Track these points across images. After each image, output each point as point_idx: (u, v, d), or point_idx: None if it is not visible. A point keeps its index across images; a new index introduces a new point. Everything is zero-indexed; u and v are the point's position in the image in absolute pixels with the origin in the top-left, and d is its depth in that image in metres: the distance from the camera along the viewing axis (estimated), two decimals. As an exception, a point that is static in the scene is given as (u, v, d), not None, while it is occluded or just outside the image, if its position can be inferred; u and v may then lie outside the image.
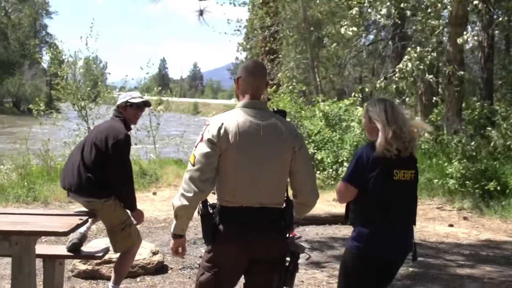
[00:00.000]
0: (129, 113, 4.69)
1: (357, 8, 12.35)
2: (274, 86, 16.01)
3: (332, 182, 11.59)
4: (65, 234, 3.92)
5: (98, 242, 5.82)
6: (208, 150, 2.97)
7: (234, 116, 3.04)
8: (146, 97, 4.83)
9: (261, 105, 3.14)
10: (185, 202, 2.96)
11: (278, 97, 14.67)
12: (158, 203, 9.92)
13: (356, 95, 13.20)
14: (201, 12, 8.59)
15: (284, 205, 3.15)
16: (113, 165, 4.49)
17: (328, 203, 10.12)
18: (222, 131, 2.97)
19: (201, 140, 3.01)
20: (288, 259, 3.19)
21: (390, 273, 3.56)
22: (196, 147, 3.03)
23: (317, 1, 18.43)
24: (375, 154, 3.33)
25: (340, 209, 9.42)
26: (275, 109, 3.35)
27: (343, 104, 13.92)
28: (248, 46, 25.42)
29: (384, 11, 12.36)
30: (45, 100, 15.62)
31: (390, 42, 19.31)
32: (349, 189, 3.41)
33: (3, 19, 71.82)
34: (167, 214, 8.74)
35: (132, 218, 4.71)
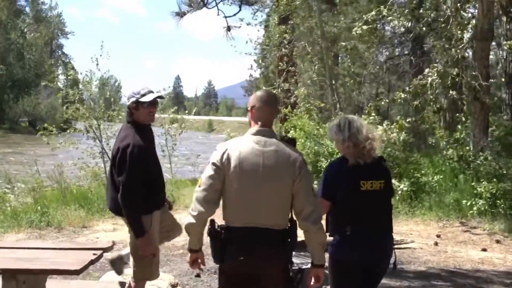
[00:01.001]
0: (141, 113, 4.24)
1: (370, 19, 11.93)
2: (289, 106, 15.60)
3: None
4: (77, 272, 3.57)
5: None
6: (212, 173, 3.24)
7: (239, 143, 3.31)
8: (157, 93, 4.30)
9: (268, 134, 3.36)
10: (192, 220, 3.22)
11: (295, 116, 14.28)
12: (175, 227, 9.48)
13: (373, 114, 12.79)
14: (228, 28, 8.43)
15: (289, 225, 3.32)
16: (117, 179, 4.08)
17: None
18: (225, 156, 3.24)
19: (208, 163, 3.29)
20: (293, 275, 3.44)
21: (372, 280, 3.74)
22: (204, 170, 3.31)
23: (333, 17, 18.15)
24: (342, 166, 3.67)
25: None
26: (285, 136, 3.71)
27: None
28: (263, 64, 25.15)
29: (401, 23, 12.07)
30: (62, 118, 15.14)
31: (409, 57, 18.94)
32: (323, 202, 3.63)
33: (19, 39, 72.40)
34: (185, 239, 8.30)
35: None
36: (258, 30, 18.80)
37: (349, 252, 3.62)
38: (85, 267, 3.66)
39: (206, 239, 3.31)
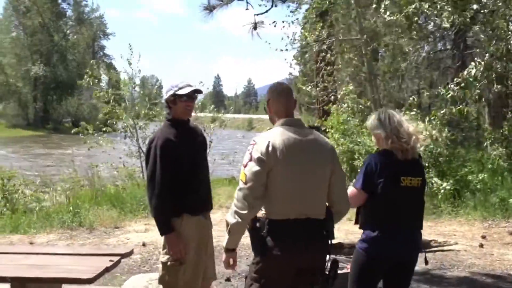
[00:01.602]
0: (179, 106, 4.00)
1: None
2: (330, 103, 15.22)
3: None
4: (89, 281, 3.33)
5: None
6: (258, 168, 3.11)
7: (278, 134, 3.21)
8: (193, 87, 4.05)
9: (298, 122, 3.34)
10: (240, 219, 3.11)
11: (335, 113, 13.87)
12: (209, 228, 9.20)
13: (415, 109, 12.28)
14: (255, 26, 8.15)
15: (325, 216, 3.28)
16: (147, 174, 3.94)
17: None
18: (270, 148, 3.13)
19: (251, 159, 3.15)
20: (328, 266, 3.33)
21: (403, 274, 3.73)
22: (245, 166, 3.17)
23: (373, 12, 17.67)
24: (384, 160, 3.62)
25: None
26: (312, 125, 3.63)
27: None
28: (302, 61, 24.79)
29: (444, 18, 11.55)
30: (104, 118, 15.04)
31: (452, 52, 18.33)
32: (360, 194, 3.64)
33: (62, 41, 73.72)
34: (218, 241, 8.04)
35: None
36: (289, 26, 18.36)
37: (382, 247, 3.60)
38: (99, 275, 3.42)
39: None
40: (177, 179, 3.87)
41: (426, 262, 3.84)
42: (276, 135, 3.20)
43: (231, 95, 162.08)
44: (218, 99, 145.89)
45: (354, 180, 3.80)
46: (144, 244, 7.82)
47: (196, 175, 4.06)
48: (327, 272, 3.32)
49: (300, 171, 3.17)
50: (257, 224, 3.18)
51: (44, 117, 69.67)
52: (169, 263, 3.87)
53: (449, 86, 12.06)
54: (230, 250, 3.26)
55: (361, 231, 3.75)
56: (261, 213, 3.24)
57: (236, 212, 3.12)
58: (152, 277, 5.09)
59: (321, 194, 3.27)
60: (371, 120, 3.83)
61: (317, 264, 3.26)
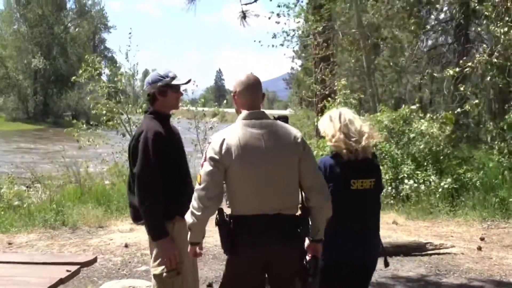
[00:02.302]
0: (170, 98, 3.64)
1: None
2: (326, 98, 14.82)
3: (392, 201, 10.32)
4: (37, 297, 2.99)
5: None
6: (211, 168, 3.04)
7: (234, 131, 3.12)
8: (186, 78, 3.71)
9: (260, 115, 3.19)
10: (195, 220, 3.05)
11: (332, 107, 13.49)
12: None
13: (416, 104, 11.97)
14: (243, 15, 7.82)
15: (300, 212, 3.21)
16: (134, 172, 3.48)
17: (388, 226, 8.83)
18: (224, 147, 3.04)
19: (205, 159, 3.09)
20: (307, 264, 3.24)
21: (360, 280, 3.64)
22: (202, 166, 3.10)
23: (370, 5, 17.33)
24: (333, 164, 3.48)
25: (401, 234, 8.29)
26: (277, 116, 3.37)
27: (404, 114, 12.46)
28: (303, 55, 24.46)
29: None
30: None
31: (453, 46, 17.98)
32: None
33: (62, 33, 73.38)
34: (204, 242, 7.57)
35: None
36: (288, 20, 17.97)
37: (337, 251, 3.49)
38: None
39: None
40: (169, 177, 3.50)
41: (386, 265, 3.72)
42: (232, 132, 3.12)
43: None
44: (220, 93, 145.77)
45: None
46: (126, 245, 7.49)
47: (185, 174, 3.74)
48: (306, 269, 3.24)
49: (259, 167, 3.07)
50: (225, 219, 3.10)
51: (44, 110, 69.44)
52: (164, 274, 3.44)
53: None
54: (195, 243, 3.17)
55: None
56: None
57: (192, 213, 3.07)
58: (125, 285, 4.75)
59: (288, 186, 3.14)
60: (321, 119, 3.73)
61: (290, 262, 3.17)
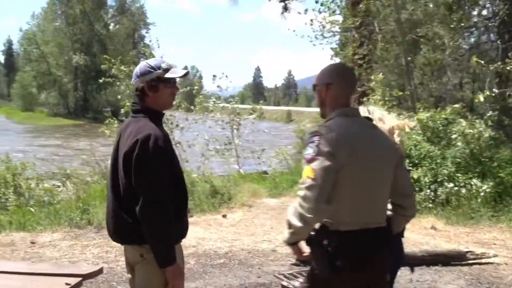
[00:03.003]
0: (162, 94, 3.02)
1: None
2: (365, 95, 14.41)
3: (430, 205, 9.83)
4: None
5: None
6: (329, 163, 2.60)
7: (345, 126, 2.73)
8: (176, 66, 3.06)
9: (359, 114, 2.88)
10: (306, 224, 2.63)
11: (370, 104, 13.03)
12: (225, 229, 8.41)
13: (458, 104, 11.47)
14: (285, 8, 7.62)
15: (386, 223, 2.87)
16: (136, 187, 2.83)
17: (426, 231, 8.38)
18: (341, 142, 2.64)
19: (319, 152, 2.62)
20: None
21: None
22: (312, 160, 2.63)
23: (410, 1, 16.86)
24: None
25: (440, 241, 7.85)
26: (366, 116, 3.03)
27: (446, 114, 11.90)
28: (341, 52, 24.00)
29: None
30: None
31: (496, 44, 17.29)
32: None
33: (103, 30, 74.27)
34: (231, 245, 7.41)
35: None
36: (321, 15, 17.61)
37: None
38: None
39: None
40: (175, 196, 2.95)
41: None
42: (343, 126, 2.73)
43: (271, 87, 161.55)
44: (258, 91, 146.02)
45: None
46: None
47: (186, 189, 3.16)
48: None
49: (370, 171, 2.71)
50: (320, 234, 2.71)
51: (84, 106, 70.50)
52: None
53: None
54: (292, 243, 2.80)
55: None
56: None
57: (302, 216, 2.61)
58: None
59: (386, 198, 2.87)
60: None
61: (387, 276, 2.94)
